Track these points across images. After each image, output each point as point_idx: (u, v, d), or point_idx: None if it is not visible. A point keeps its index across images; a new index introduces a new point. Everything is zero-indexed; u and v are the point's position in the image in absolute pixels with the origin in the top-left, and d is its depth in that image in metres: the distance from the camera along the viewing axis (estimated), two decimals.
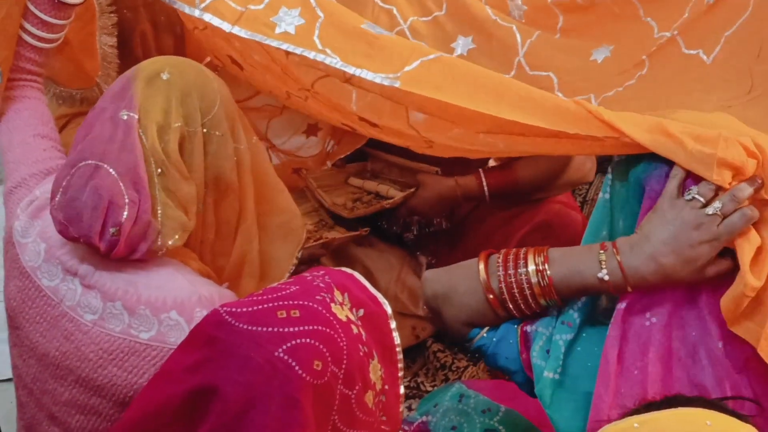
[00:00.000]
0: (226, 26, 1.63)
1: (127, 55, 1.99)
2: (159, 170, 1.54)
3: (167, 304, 1.52)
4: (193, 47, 2.05)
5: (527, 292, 1.41)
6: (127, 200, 1.50)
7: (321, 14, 1.60)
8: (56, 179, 1.53)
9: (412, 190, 2.31)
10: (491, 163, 2.44)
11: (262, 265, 1.80)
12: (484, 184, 2.31)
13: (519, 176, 2.31)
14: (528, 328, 1.46)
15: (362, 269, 2.26)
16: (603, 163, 3.22)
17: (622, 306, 1.36)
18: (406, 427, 1.63)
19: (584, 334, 1.42)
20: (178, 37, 2.07)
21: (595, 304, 1.45)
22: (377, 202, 2.35)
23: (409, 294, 2.33)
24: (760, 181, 1.28)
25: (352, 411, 1.25)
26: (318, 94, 1.70)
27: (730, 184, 1.29)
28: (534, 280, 1.40)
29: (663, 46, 1.71)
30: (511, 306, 1.43)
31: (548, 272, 1.40)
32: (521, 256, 1.43)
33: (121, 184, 1.50)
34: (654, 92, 1.67)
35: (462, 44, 1.89)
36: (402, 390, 1.37)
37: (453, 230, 2.39)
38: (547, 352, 1.42)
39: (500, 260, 1.44)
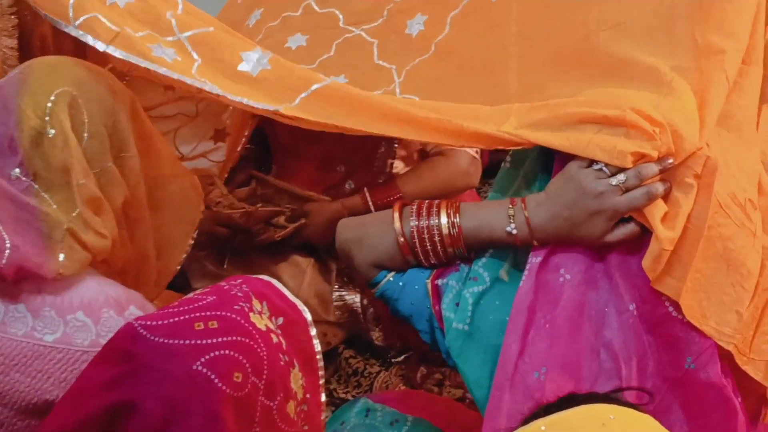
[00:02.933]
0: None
1: (28, 57, 1.91)
2: (67, 226, 1.51)
3: (73, 305, 1.49)
4: (95, 52, 2.01)
5: (437, 239, 1.48)
6: (8, 245, 1.45)
7: (198, 58, 1.59)
8: None
9: (302, 221, 2.33)
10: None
11: (160, 245, 1.79)
12: (370, 202, 2.33)
13: (403, 191, 2.34)
14: (439, 281, 1.52)
15: (270, 276, 2.24)
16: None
17: (536, 260, 1.42)
18: None
19: (492, 289, 1.48)
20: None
21: (502, 261, 1.50)
22: (266, 232, 2.35)
23: (319, 300, 2.32)
24: (670, 162, 1.34)
25: (274, 422, 1.24)
26: None
27: (636, 162, 1.34)
28: (445, 229, 1.48)
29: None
30: (419, 252, 1.50)
31: (458, 222, 1.47)
32: (434, 206, 1.50)
33: (1, 228, 1.46)
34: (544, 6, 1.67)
35: None
36: (323, 398, 1.38)
37: None
38: (457, 305, 1.48)
39: (414, 209, 1.51)
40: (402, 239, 1.49)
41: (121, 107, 1.63)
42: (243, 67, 1.58)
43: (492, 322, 1.45)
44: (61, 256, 1.50)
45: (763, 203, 1.40)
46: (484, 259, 1.50)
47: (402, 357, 2.32)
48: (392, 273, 1.55)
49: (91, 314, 1.51)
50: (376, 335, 2.29)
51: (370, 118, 1.51)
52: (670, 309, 1.35)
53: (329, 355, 2.31)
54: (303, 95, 1.53)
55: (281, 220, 2.35)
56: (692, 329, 1.33)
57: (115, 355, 1.21)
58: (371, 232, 1.55)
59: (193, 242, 1.86)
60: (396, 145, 2.42)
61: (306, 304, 2.24)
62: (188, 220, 1.83)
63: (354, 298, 2.31)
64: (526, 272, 1.42)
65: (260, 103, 1.54)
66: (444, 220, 1.47)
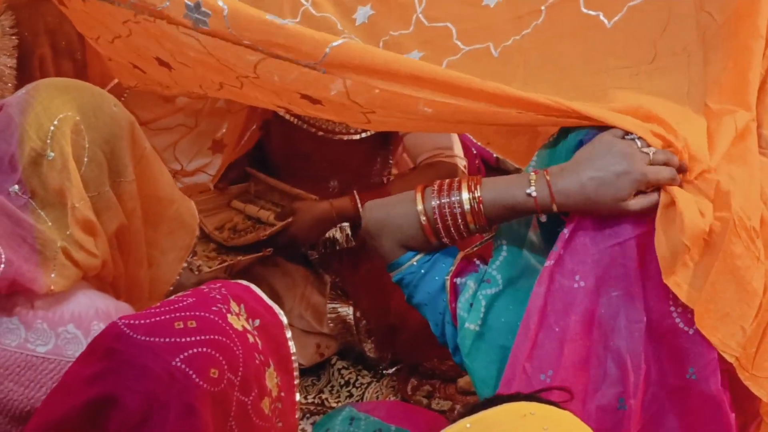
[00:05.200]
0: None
1: (26, 77, 2.00)
2: (60, 244, 1.58)
3: (65, 318, 1.55)
4: (95, 72, 2.07)
5: (458, 212, 1.49)
6: (3, 260, 1.52)
7: (224, 6, 1.63)
8: None
9: (290, 220, 2.36)
10: None
11: (152, 267, 1.84)
12: (359, 204, 2.36)
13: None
14: (458, 280, 1.55)
15: (267, 288, 2.30)
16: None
17: (550, 263, 1.44)
18: None
19: (505, 292, 1.51)
20: (78, 62, 2.09)
21: (516, 263, 1.53)
22: (255, 230, 2.40)
23: (313, 312, 2.38)
24: (686, 167, 1.41)
25: (249, 417, 1.29)
26: (259, 78, 1.72)
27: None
28: (466, 205, 1.49)
29: (562, 0, 1.81)
30: (441, 229, 1.51)
31: (479, 194, 1.49)
32: (455, 183, 1.52)
33: None
34: (553, 47, 1.76)
35: (362, 13, 1.99)
36: (298, 397, 1.43)
37: (356, 249, 2.44)
38: (471, 305, 1.51)
39: (435, 188, 1.53)
40: (424, 218, 1.50)
41: (122, 134, 1.69)
42: (269, 16, 1.61)
43: (503, 324, 1.49)
44: (53, 274, 1.57)
45: (765, 233, 1.44)
46: (498, 261, 1.53)
47: (393, 369, 2.36)
48: (417, 257, 1.56)
49: (81, 327, 1.57)
50: (369, 347, 2.34)
51: (402, 78, 1.55)
52: (678, 320, 1.39)
53: (322, 365, 2.37)
54: (334, 44, 1.55)
55: (271, 217, 2.40)
56: (697, 341, 1.37)
57: (99, 352, 1.27)
58: (394, 212, 1.55)
59: (185, 266, 1.91)
60: (391, 161, 2.48)
61: (300, 316, 2.36)
62: (182, 245, 1.88)
63: (347, 311, 2.36)
64: (539, 276, 1.45)
65: (302, 61, 1.58)
66: (465, 195, 1.48)
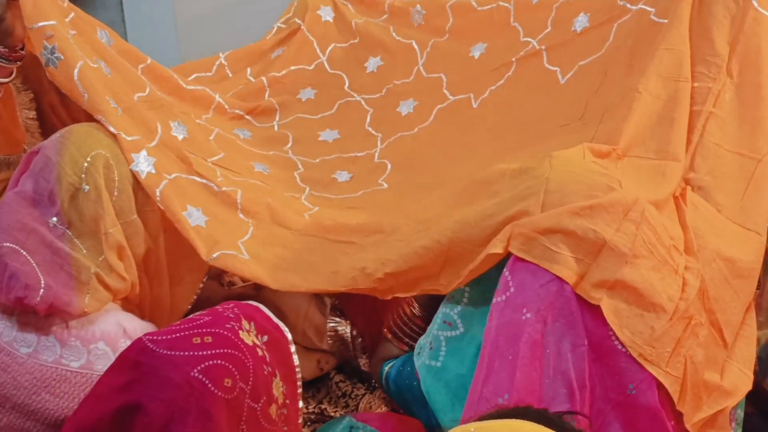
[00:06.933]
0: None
1: (45, 122, 2.17)
2: (94, 270, 1.73)
3: (96, 336, 1.70)
4: None
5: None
6: (42, 285, 1.68)
7: (167, 178, 1.85)
8: None
9: None
10: None
11: (173, 288, 1.99)
12: None
13: None
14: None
15: (274, 308, 2.42)
16: None
17: (499, 299, 1.57)
18: None
19: (467, 335, 1.68)
20: None
21: (475, 310, 1.68)
22: None
23: (315, 330, 2.50)
24: None
25: (258, 421, 1.43)
26: None
27: None
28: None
29: (530, 54, 2.00)
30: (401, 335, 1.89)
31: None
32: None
33: (37, 270, 1.69)
34: (519, 99, 1.96)
35: (372, 63, 2.21)
36: (301, 405, 1.58)
37: None
38: (430, 348, 1.71)
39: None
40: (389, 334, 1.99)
41: None
42: (186, 215, 1.84)
43: (461, 358, 1.66)
44: (87, 297, 1.72)
45: (692, 262, 1.60)
46: (459, 307, 1.70)
47: None
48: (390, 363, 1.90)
49: (110, 344, 1.72)
50: (363, 362, 2.47)
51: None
52: (616, 343, 1.51)
53: (322, 379, 2.50)
54: (221, 252, 1.84)
55: None
56: (634, 360, 1.50)
57: (126, 365, 1.41)
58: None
59: (202, 286, 2.06)
60: None
61: (303, 334, 2.50)
62: (198, 268, 2.02)
63: (345, 329, 2.50)
64: (489, 313, 1.57)
65: (196, 245, 1.84)
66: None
